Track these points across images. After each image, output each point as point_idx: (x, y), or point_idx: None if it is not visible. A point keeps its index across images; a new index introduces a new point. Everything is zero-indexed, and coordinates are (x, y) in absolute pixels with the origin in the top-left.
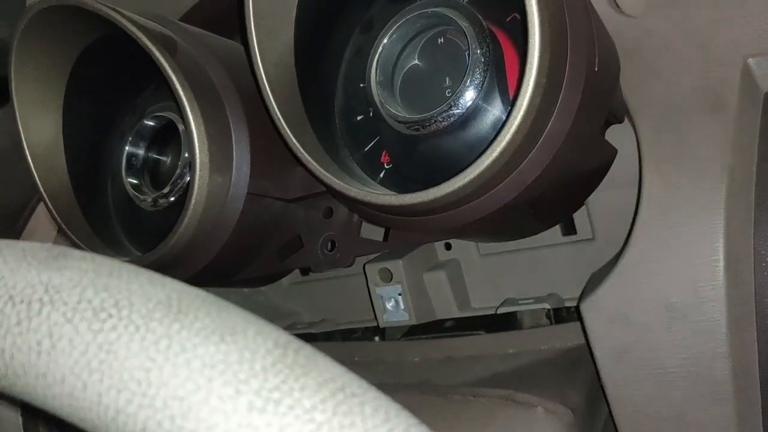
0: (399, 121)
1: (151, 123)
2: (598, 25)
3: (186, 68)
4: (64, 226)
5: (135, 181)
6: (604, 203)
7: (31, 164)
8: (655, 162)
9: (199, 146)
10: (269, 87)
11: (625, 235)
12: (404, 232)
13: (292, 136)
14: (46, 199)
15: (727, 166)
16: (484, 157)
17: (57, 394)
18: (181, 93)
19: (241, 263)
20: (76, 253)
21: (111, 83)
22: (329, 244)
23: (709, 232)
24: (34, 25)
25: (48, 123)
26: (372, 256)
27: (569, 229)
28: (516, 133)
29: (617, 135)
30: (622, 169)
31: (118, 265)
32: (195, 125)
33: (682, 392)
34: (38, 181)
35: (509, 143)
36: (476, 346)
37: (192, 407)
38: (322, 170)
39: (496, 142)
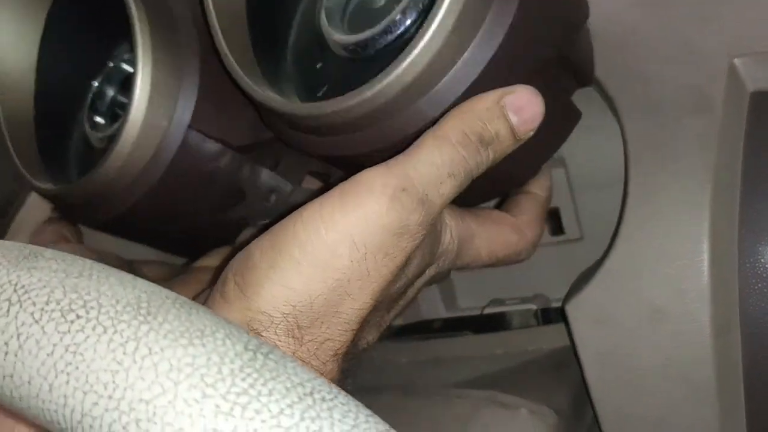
0: (341, 47)
1: (125, 67)
2: None
3: None
4: (16, 159)
5: (97, 120)
6: (592, 202)
7: None
8: (641, 162)
9: (142, 66)
10: (216, 16)
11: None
12: (313, 157)
13: (229, 54)
14: (4, 128)
15: (713, 167)
16: (390, 68)
17: (24, 395)
18: (134, 10)
19: (178, 207)
20: (48, 252)
21: (93, 25)
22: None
23: (694, 233)
24: None
25: (22, 55)
26: None
27: (557, 228)
28: (425, 48)
29: (605, 133)
30: (611, 168)
31: (89, 265)
32: (142, 46)
33: (666, 394)
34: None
35: (416, 57)
36: (463, 347)
37: (158, 411)
38: (245, 78)
39: (400, 57)
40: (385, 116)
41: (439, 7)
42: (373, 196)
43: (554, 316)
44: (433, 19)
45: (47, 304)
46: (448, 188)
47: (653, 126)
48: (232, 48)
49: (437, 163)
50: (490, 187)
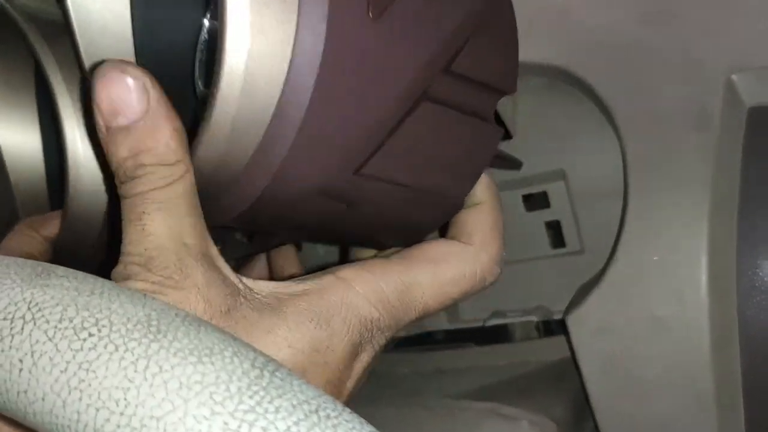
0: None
1: None
2: None
3: None
4: None
5: None
6: (593, 216)
7: None
8: (640, 175)
9: None
10: None
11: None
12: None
13: None
14: None
15: (711, 180)
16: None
17: (38, 411)
18: None
19: None
20: (60, 270)
21: None
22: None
23: (693, 246)
24: None
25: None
26: None
27: (558, 241)
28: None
29: (605, 146)
30: (612, 180)
31: (100, 283)
32: None
33: (666, 404)
34: None
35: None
36: (465, 358)
37: (168, 428)
38: None
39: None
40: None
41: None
42: None
43: (555, 328)
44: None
45: (60, 321)
46: None
47: (652, 139)
48: None
49: None
50: (411, 223)
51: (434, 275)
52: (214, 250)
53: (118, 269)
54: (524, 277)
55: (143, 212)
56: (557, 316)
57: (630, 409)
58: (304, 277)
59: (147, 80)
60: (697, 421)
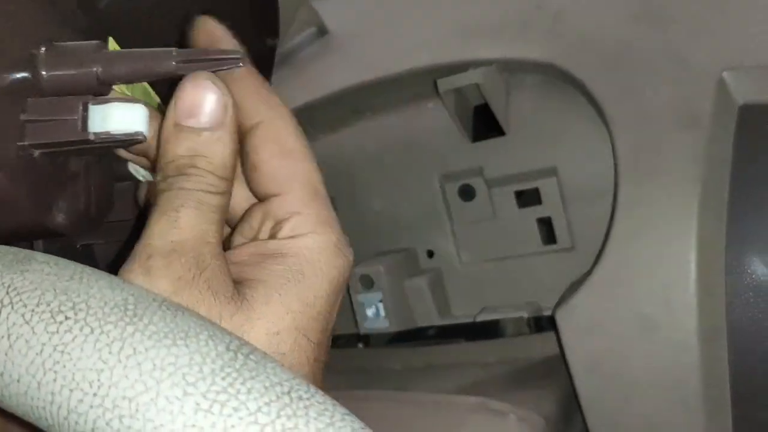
0: None
1: None
2: None
3: None
4: None
5: None
6: (584, 213)
7: None
8: (630, 174)
9: None
10: None
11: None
12: None
13: None
14: None
15: (701, 179)
16: None
17: (13, 393)
18: None
19: None
20: (41, 256)
21: None
22: None
23: (682, 245)
24: None
25: None
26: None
27: (549, 237)
28: None
29: (597, 144)
30: (603, 178)
31: (80, 269)
32: None
33: (654, 402)
34: None
35: None
36: (456, 354)
37: (140, 408)
38: None
39: None
40: None
41: None
42: None
43: (546, 324)
44: None
45: (38, 306)
46: None
47: (643, 137)
48: None
49: None
50: None
51: None
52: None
53: (139, 262)
54: (515, 273)
55: (181, 206)
56: (547, 312)
57: (618, 406)
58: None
59: (230, 101)
60: (685, 419)
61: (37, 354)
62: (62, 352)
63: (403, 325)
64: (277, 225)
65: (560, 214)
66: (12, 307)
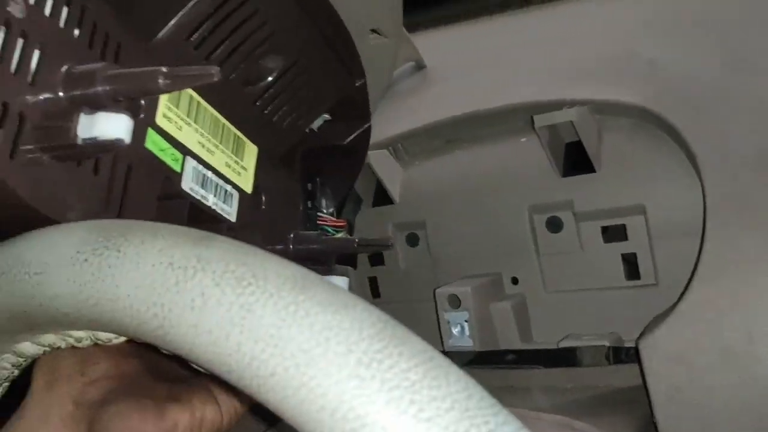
0: None
1: None
2: None
3: None
4: None
5: None
6: (668, 250)
7: None
8: (719, 215)
9: None
10: None
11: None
12: None
13: None
14: None
15: None
16: None
17: (203, 342)
18: None
19: None
20: (219, 237)
21: None
22: None
23: (765, 284)
24: None
25: None
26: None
27: (633, 273)
28: None
29: (685, 185)
30: (689, 218)
31: (253, 249)
32: None
33: None
34: None
35: None
36: (536, 378)
37: (313, 358)
38: None
39: None
40: None
41: None
42: None
43: (625, 356)
44: None
45: (224, 273)
46: None
47: (732, 183)
48: None
49: None
50: None
51: None
52: None
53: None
54: (597, 305)
55: None
56: (628, 344)
57: None
58: None
59: None
60: None
61: (226, 311)
62: (248, 310)
63: (486, 345)
64: None
65: (646, 251)
66: (204, 272)
